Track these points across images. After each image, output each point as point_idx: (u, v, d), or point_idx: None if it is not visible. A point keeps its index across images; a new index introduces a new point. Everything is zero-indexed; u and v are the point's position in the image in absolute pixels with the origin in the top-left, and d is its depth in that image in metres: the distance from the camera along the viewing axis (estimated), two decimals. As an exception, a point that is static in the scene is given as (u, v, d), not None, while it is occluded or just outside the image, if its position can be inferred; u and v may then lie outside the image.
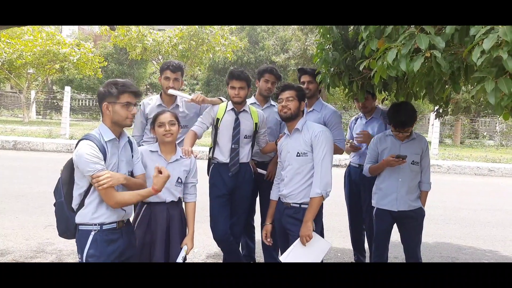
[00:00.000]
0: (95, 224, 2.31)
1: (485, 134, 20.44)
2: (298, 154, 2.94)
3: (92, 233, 2.30)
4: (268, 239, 3.16)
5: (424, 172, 3.39)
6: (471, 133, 20.18)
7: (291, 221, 2.96)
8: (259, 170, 3.66)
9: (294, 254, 2.85)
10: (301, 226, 2.84)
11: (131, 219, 2.63)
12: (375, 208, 3.45)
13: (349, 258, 4.56)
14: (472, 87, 2.90)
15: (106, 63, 20.47)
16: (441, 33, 2.05)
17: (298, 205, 2.94)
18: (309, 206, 2.85)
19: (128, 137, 2.54)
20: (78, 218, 2.33)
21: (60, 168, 2.45)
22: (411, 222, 3.36)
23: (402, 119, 3.26)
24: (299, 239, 2.85)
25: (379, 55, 2.26)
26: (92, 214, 2.31)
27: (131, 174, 2.51)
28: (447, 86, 2.83)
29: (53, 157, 10.07)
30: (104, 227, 2.32)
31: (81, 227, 2.33)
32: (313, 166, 2.91)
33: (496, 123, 20.24)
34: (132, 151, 2.53)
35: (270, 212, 3.18)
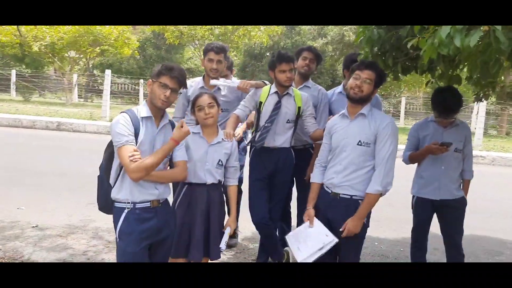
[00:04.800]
0: (128, 202, 2.32)
1: (533, 125, 19.38)
2: (359, 143, 2.62)
3: (125, 210, 2.31)
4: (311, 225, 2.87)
5: (466, 160, 3.25)
6: (518, 123, 19.20)
7: (339, 213, 2.68)
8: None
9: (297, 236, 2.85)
10: (351, 220, 2.58)
11: (170, 200, 2.63)
12: (415, 197, 3.31)
13: (387, 247, 4.45)
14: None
15: (139, 44, 20.98)
16: (502, 5, 1.88)
17: (349, 197, 2.66)
18: (365, 201, 2.59)
19: (171, 120, 2.52)
20: (113, 194, 2.35)
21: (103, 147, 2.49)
22: (453, 212, 3.21)
23: (448, 105, 3.10)
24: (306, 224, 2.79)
25: (431, 33, 2.11)
26: (125, 191, 2.32)
27: (170, 159, 2.49)
28: (503, 68, 2.62)
29: (94, 138, 10.38)
30: (137, 205, 2.32)
31: (116, 204, 2.35)
32: (372, 159, 2.63)
33: (545, 113, 19.12)
34: None
35: (313, 196, 2.87)
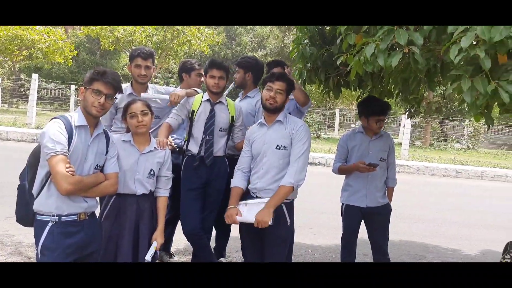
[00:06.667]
0: (53, 215, 2.17)
1: (453, 137, 21.06)
2: (278, 147, 2.79)
3: (50, 224, 2.17)
4: (237, 221, 2.81)
5: (390, 169, 3.46)
6: (440, 136, 20.75)
7: None
8: None
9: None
10: (261, 210, 2.64)
11: (97, 212, 2.51)
12: (344, 205, 3.46)
13: (320, 254, 4.58)
14: (446, 87, 2.93)
15: (77, 52, 19.88)
16: (419, 29, 2.04)
17: None
18: (276, 193, 2.70)
19: (105, 130, 2.42)
20: (36, 205, 2.19)
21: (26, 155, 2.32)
22: (379, 218, 3.39)
23: (380, 104, 3.29)
24: (246, 206, 2.75)
25: (357, 50, 2.24)
26: (50, 202, 2.17)
27: (101, 169, 2.38)
28: (422, 84, 2.85)
29: (17, 146, 9.68)
30: (63, 218, 2.18)
31: (38, 217, 2.20)
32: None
33: (464, 127, 20.88)
34: (107, 146, 2.40)
35: (233, 199, 2.85)
